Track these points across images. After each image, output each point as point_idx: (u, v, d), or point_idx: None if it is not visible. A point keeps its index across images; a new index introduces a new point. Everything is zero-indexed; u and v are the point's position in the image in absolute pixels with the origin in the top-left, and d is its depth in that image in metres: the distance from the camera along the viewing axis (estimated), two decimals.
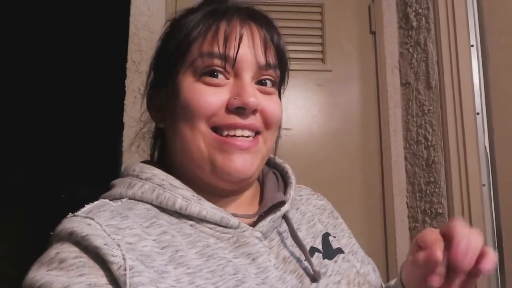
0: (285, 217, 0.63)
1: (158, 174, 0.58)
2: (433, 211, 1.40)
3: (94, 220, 0.49)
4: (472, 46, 1.33)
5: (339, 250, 0.67)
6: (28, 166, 2.44)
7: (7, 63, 2.21)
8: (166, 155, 0.66)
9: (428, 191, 1.44)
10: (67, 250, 0.47)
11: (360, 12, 1.69)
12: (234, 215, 0.58)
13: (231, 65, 0.57)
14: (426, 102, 1.45)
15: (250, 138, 0.58)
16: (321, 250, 0.65)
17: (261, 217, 0.61)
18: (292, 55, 1.72)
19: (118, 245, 0.46)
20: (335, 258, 0.64)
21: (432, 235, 0.51)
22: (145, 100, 0.68)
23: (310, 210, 0.72)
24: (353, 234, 0.76)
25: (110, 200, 0.57)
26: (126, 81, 1.36)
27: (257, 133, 0.60)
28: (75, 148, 2.41)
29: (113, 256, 0.45)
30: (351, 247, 0.71)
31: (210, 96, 0.56)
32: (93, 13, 1.80)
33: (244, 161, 0.57)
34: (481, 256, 0.48)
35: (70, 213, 0.52)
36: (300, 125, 1.61)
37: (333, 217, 0.75)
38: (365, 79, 1.66)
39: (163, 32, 0.66)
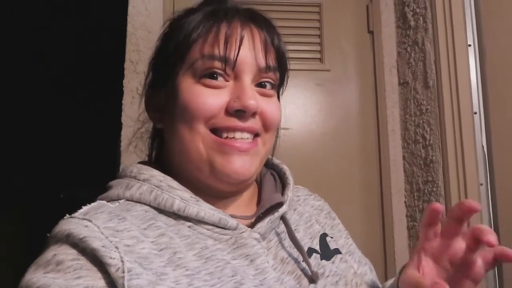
0: (283, 218, 0.63)
1: (156, 175, 0.58)
2: None
3: (91, 222, 0.49)
4: (470, 45, 1.33)
5: (337, 251, 0.67)
6: (28, 166, 2.44)
7: (7, 63, 2.21)
8: (164, 156, 0.65)
9: (426, 190, 1.44)
10: (65, 252, 0.46)
11: (358, 12, 1.69)
12: (232, 216, 0.58)
13: (231, 68, 0.57)
14: (424, 101, 1.46)
15: (249, 140, 0.58)
16: (319, 251, 0.65)
17: (259, 218, 0.60)
18: (290, 54, 1.72)
19: (116, 247, 0.46)
20: (333, 259, 0.64)
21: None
22: (143, 100, 0.67)
23: (307, 211, 0.72)
24: (351, 233, 0.76)
25: (107, 202, 0.56)
26: (124, 81, 1.36)
27: (256, 135, 0.59)
28: (75, 148, 2.41)
29: (111, 258, 0.45)
30: (348, 247, 0.71)
31: (209, 98, 0.56)
32: (91, 13, 1.80)
33: (243, 163, 0.57)
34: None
35: (67, 214, 0.52)
36: (299, 124, 1.61)
37: (331, 218, 0.75)
38: (363, 78, 1.66)
39: (162, 32, 0.66)
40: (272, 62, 0.61)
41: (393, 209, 1.56)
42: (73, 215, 0.51)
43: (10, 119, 2.30)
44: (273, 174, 0.72)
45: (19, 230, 2.31)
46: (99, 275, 0.45)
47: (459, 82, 1.33)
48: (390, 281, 0.73)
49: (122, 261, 0.45)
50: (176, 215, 0.55)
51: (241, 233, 0.56)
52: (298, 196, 0.75)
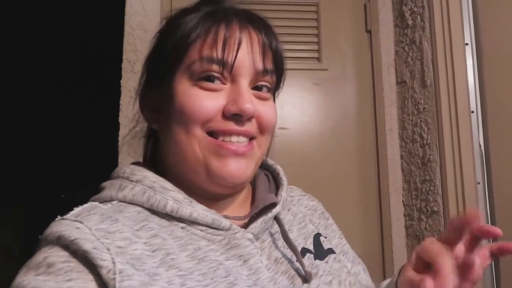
0: (276, 218, 0.63)
1: (149, 176, 0.57)
2: (429, 209, 1.41)
3: (83, 224, 0.48)
4: (467, 44, 1.32)
5: (330, 251, 0.67)
6: (28, 166, 2.45)
7: (7, 63, 2.22)
8: (158, 157, 0.65)
9: (423, 189, 1.44)
10: (56, 254, 0.46)
11: (356, 11, 1.69)
12: (226, 217, 0.58)
13: (228, 71, 0.57)
14: (421, 100, 1.46)
15: (245, 143, 0.58)
16: (313, 250, 0.65)
17: (252, 218, 0.60)
18: (288, 54, 1.72)
19: (108, 249, 0.46)
20: (326, 259, 0.65)
21: (434, 246, 0.50)
22: (137, 99, 0.66)
23: (301, 211, 0.72)
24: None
25: (100, 203, 0.56)
26: (121, 81, 1.37)
27: (251, 138, 0.59)
28: (75, 148, 2.41)
29: (103, 260, 0.45)
30: (342, 247, 0.71)
31: (206, 101, 0.56)
32: (88, 13, 1.80)
33: (239, 166, 0.57)
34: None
35: (59, 216, 0.51)
36: (296, 124, 1.61)
37: (324, 218, 0.75)
38: (361, 77, 1.66)
39: (159, 30, 0.65)
40: (269, 65, 0.60)
41: (391, 208, 1.56)
42: (64, 216, 0.51)
43: (10, 119, 2.31)
44: (267, 175, 0.72)
45: (19, 230, 2.31)
46: (90, 277, 0.45)
47: (456, 81, 1.32)
48: (386, 281, 0.74)
49: (113, 262, 0.45)
50: (169, 216, 0.55)
51: (234, 233, 0.56)
52: (292, 196, 0.75)
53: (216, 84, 0.57)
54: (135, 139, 0.72)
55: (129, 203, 0.56)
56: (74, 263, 0.45)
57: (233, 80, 0.57)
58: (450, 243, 0.51)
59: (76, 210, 0.53)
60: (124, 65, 1.38)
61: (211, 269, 0.51)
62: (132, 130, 0.72)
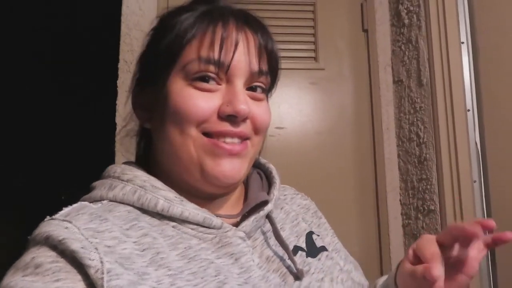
0: (268, 216, 0.63)
1: (140, 175, 0.57)
2: (426, 208, 1.41)
3: (71, 223, 0.48)
4: (463, 43, 1.33)
5: (323, 248, 0.67)
6: (28, 166, 2.46)
7: (7, 63, 2.23)
8: (151, 156, 0.65)
9: (420, 188, 1.44)
10: (44, 255, 0.46)
11: (353, 10, 1.69)
12: (217, 215, 0.58)
13: (224, 71, 0.56)
14: (417, 99, 1.46)
15: (239, 143, 0.58)
16: (305, 248, 0.65)
17: (244, 217, 0.60)
18: (285, 53, 1.74)
19: (96, 249, 0.46)
20: (319, 256, 0.65)
21: (430, 247, 0.52)
22: (130, 98, 0.66)
23: (294, 210, 0.72)
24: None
25: (90, 203, 0.56)
26: (118, 81, 1.37)
27: (246, 138, 0.59)
28: (74, 148, 2.42)
29: (90, 259, 0.44)
30: (334, 245, 0.71)
31: (201, 102, 0.55)
32: (84, 13, 1.80)
33: (233, 166, 0.57)
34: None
35: (48, 216, 0.51)
36: (293, 123, 1.61)
37: (317, 217, 0.75)
38: (358, 77, 1.66)
39: (153, 28, 0.65)
40: (264, 66, 0.60)
41: (388, 207, 1.57)
42: (53, 216, 0.51)
43: (10, 119, 2.32)
44: (259, 173, 0.72)
45: (19, 230, 2.32)
46: (78, 277, 0.45)
47: (452, 80, 1.32)
48: (383, 278, 0.74)
49: (101, 262, 0.44)
50: (160, 215, 0.55)
51: (225, 232, 0.56)
52: (285, 195, 0.76)
53: (212, 85, 0.56)
54: (127, 138, 0.72)
55: (120, 202, 0.56)
56: (62, 263, 0.45)
57: (228, 81, 0.57)
58: (444, 245, 0.52)
59: (66, 210, 0.53)
60: (121, 65, 1.38)
61: (201, 268, 0.51)
62: (122, 128, 0.72)
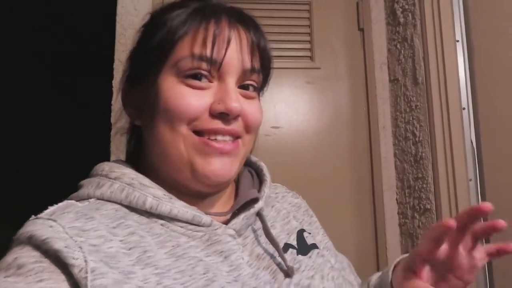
0: (259, 214, 0.63)
1: (128, 173, 0.57)
2: (422, 207, 1.40)
3: (56, 222, 0.47)
4: (458, 41, 1.32)
5: (314, 246, 0.67)
6: (28, 166, 2.47)
7: (7, 63, 2.24)
8: (141, 154, 0.64)
9: (416, 187, 1.44)
10: (26, 255, 0.45)
11: (348, 9, 1.69)
12: (207, 213, 0.57)
13: (216, 69, 0.56)
14: (413, 98, 1.45)
15: (230, 142, 0.58)
16: (296, 246, 0.65)
17: (235, 214, 0.60)
18: (280, 53, 1.73)
19: (80, 247, 0.45)
20: (310, 254, 0.64)
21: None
22: (120, 94, 0.65)
23: (285, 208, 0.72)
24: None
25: (77, 201, 0.55)
26: (113, 82, 1.37)
27: (237, 137, 0.59)
28: (74, 149, 2.43)
29: (74, 259, 0.44)
30: (325, 243, 0.71)
31: (193, 100, 0.55)
32: (79, 13, 1.81)
33: (223, 165, 0.56)
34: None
35: (32, 216, 0.51)
36: (289, 123, 1.61)
37: (308, 215, 0.75)
38: (354, 76, 1.66)
39: (144, 24, 0.64)
40: (257, 64, 0.60)
41: (385, 206, 1.56)
42: (38, 215, 0.50)
43: (10, 119, 2.33)
44: (250, 171, 0.72)
45: (19, 230, 2.32)
46: (62, 277, 0.44)
47: (448, 78, 1.32)
48: (375, 276, 0.74)
49: (85, 261, 0.44)
50: (149, 214, 0.55)
51: (215, 229, 0.56)
52: (276, 193, 0.75)
53: (203, 82, 0.56)
54: (122, 137, 0.71)
55: (107, 200, 0.55)
56: (46, 263, 0.45)
57: (220, 78, 0.57)
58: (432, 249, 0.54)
59: (51, 208, 0.52)
60: (116, 65, 1.38)
61: (189, 266, 0.51)
62: (113, 125, 0.71)
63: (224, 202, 0.64)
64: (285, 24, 1.62)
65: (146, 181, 0.56)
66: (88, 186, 0.57)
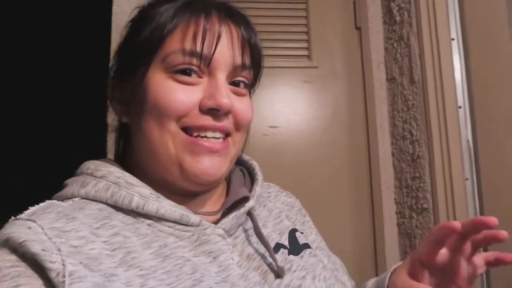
0: (249, 213, 0.62)
1: (114, 171, 0.55)
2: (419, 206, 1.39)
3: (35, 223, 0.45)
4: (453, 39, 1.31)
5: (306, 246, 0.66)
6: (28, 166, 2.47)
7: (7, 63, 2.24)
8: (128, 152, 0.62)
9: (414, 187, 1.43)
10: (2, 259, 0.43)
11: (345, 8, 1.68)
12: (197, 213, 0.56)
13: (206, 64, 0.55)
14: (410, 96, 1.45)
15: (220, 140, 0.56)
16: (287, 246, 0.63)
17: (225, 214, 0.58)
18: (277, 52, 1.73)
19: (59, 250, 0.43)
20: (302, 254, 0.63)
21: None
22: (107, 90, 0.63)
23: (277, 207, 0.71)
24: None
25: (61, 201, 0.53)
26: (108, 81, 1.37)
27: (227, 134, 0.58)
28: (75, 148, 2.43)
29: (51, 262, 0.42)
30: (318, 243, 0.70)
31: (182, 95, 0.54)
32: (74, 12, 1.81)
33: (213, 164, 0.55)
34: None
35: (12, 217, 0.48)
36: (287, 122, 1.61)
37: (301, 214, 0.74)
38: (351, 75, 1.66)
39: (131, 19, 0.62)
40: (247, 60, 0.59)
41: (383, 206, 1.56)
42: (18, 216, 0.48)
43: (10, 119, 2.33)
44: (242, 170, 0.71)
45: None
46: (40, 282, 0.42)
47: (443, 76, 1.31)
48: (371, 282, 0.73)
49: (63, 264, 0.42)
50: (135, 213, 0.53)
51: (204, 229, 0.54)
52: (269, 192, 0.74)
53: (193, 78, 0.55)
54: (112, 134, 0.70)
55: (92, 200, 0.53)
56: (23, 268, 0.43)
57: (210, 74, 0.56)
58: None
59: (32, 209, 0.50)
60: (112, 64, 1.38)
61: (176, 266, 0.49)
62: (108, 125, 0.71)
63: (214, 202, 0.63)
64: (282, 23, 1.62)
65: (132, 179, 0.55)
66: (73, 185, 0.55)
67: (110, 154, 1.32)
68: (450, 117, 1.30)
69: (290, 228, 0.67)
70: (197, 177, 0.55)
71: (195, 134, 0.55)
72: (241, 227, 0.61)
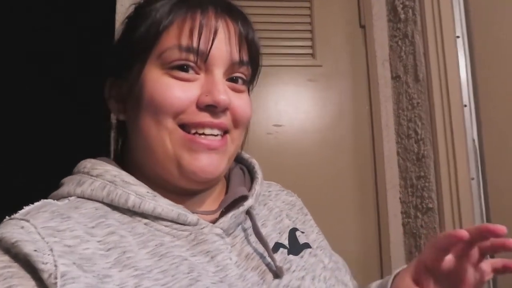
0: (248, 212, 0.61)
1: (110, 170, 0.54)
2: (424, 206, 1.39)
3: (29, 222, 0.45)
4: (458, 37, 1.30)
5: (306, 245, 0.65)
6: (28, 166, 2.46)
7: (7, 63, 2.24)
8: (125, 150, 0.62)
9: (419, 186, 1.42)
10: None
11: (350, 6, 1.67)
12: (195, 212, 0.55)
13: (203, 60, 0.54)
14: (415, 95, 1.44)
15: (219, 137, 0.56)
16: (287, 245, 0.63)
17: (223, 213, 0.58)
18: (282, 50, 1.72)
19: (51, 250, 0.43)
20: (302, 253, 0.63)
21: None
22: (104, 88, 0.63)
23: (278, 206, 0.70)
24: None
25: (57, 200, 0.53)
26: None
27: (225, 132, 0.57)
28: (75, 148, 2.42)
29: (43, 263, 0.41)
30: (319, 243, 0.69)
31: (179, 92, 0.53)
32: (78, 11, 1.80)
33: (211, 161, 0.54)
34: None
35: (7, 216, 0.48)
36: (291, 121, 1.60)
37: (303, 213, 0.73)
38: (356, 73, 1.65)
39: (127, 16, 0.62)
40: (245, 56, 0.58)
41: (388, 205, 1.54)
42: (12, 216, 0.47)
43: (10, 119, 2.33)
44: (242, 169, 0.70)
45: None
46: (32, 282, 0.42)
47: (448, 75, 1.30)
48: (374, 285, 0.72)
49: (55, 265, 0.41)
50: (132, 212, 0.52)
51: (201, 228, 0.54)
52: (269, 191, 0.73)
53: (190, 74, 0.54)
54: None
55: (88, 199, 0.53)
56: (15, 268, 0.42)
57: (208, 70, 0.55)
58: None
59: (27, 208, 0.49)
60: None
61: (173, 265, 0.49)
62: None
63: (213, 200, 0.62)
64: (286, 21, 1.62)
65: (129, 178, 0.54)
66: (69, 183, 0.55)
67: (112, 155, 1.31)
68: (455, 115, 1.29)
69: (291, 228, 0.66)
70: (195, 174, 0.54)
71: (193, 131, 0.54)
72: (240, 226, 0.60)
